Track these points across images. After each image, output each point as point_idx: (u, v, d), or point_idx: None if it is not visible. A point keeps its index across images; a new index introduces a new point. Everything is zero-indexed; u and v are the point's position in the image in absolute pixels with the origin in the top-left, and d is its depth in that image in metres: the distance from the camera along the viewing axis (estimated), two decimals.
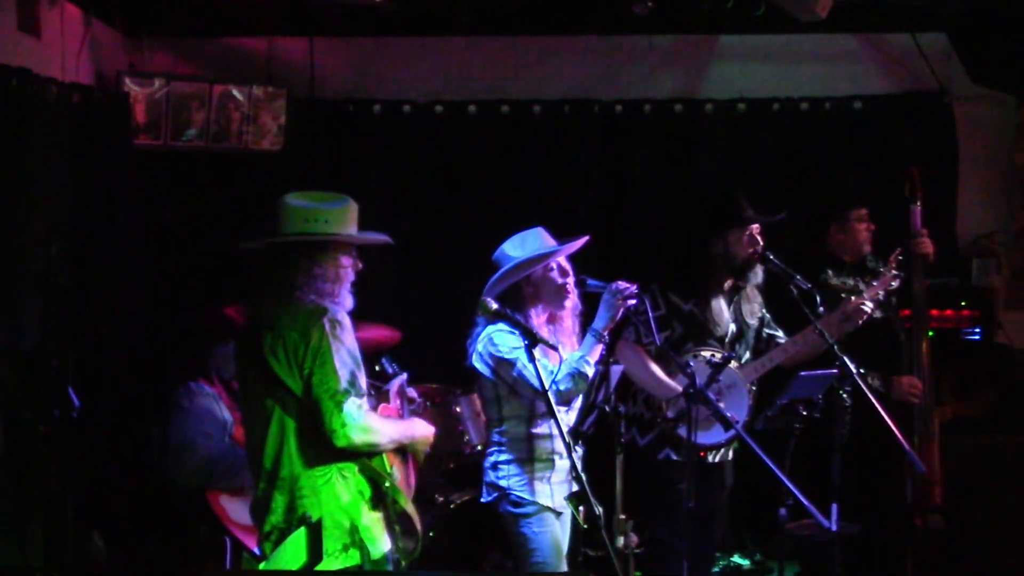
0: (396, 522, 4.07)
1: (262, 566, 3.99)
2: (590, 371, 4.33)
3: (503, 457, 4.55)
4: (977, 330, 6.21)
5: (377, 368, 5.25)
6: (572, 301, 4.59)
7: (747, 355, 5.02)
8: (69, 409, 4.62)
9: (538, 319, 4.51)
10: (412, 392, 4.73)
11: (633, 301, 4.39)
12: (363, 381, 3.96)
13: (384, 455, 4.04)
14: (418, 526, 4.11)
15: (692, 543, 4.43)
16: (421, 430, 4.25)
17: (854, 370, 4.54)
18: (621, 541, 4.01)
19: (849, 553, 4.86)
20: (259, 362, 3.89)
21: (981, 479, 5.55)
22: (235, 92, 6.08)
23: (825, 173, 6.49)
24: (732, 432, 4.42)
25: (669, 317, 4.92)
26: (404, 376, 4.55)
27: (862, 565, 5.25)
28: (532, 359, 3.98)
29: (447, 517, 5.45)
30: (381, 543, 4.01)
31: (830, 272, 5.33)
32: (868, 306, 4.94)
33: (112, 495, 5.41)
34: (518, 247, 4.54)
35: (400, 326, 5.62)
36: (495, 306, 4.14)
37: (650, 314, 4.44)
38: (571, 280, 4.56)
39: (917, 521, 5.36)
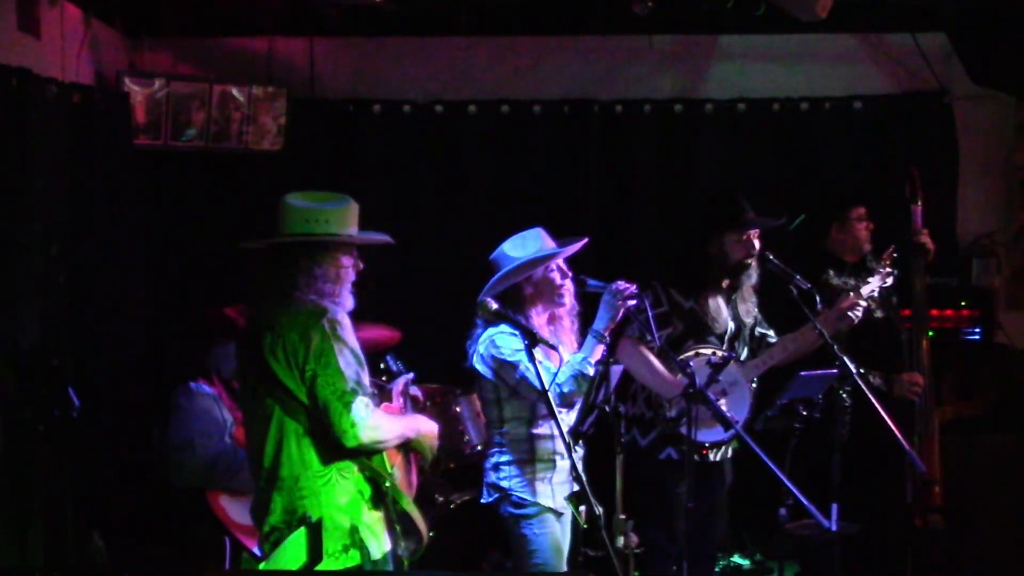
0: (397, 522, 4.06)
1: (262, 566, 3.99)
2: (592, 372, 4.33)
3: (504, 458, 4.54)
4: (977, 330, 6.21)
5: (382, 366, 5.25)
6: (570, 302, 4.59)
7: (745, 353, 5.04)
8: (69, 409, 4.62)
9: (538, 319, 4.51)
10: (416, 391, 4.72)
11: (633, 301, 4.39)
12: (367, 380, 3.96)
13: (385, 454, 4.04)
14: (421, 525, 4.09)
15: (693, 543, 4.43)
16: (426, 425, 4.25)
17: (854, 370, 4.54)
18: (621, 541, 4.00)
19: (849, 553, 4.86)
20: (259, 362, 3.89)
21: (981, 479, 5.55)
22: (235, 92, 6.07)
23: (825, 173, 6.48)
24: (733, 431, 4.43)
25: (671, 313, 4.93)
26: (410, 375, 4.54)
27: (862, 565, 5.25)
28: (532, 360, 3.98)
29: (447, 517, 5.45)
30: (382, 543, 4.01)
31: (831, 272, 5.33)
32: (863, 303, 4.95)
33: (112, 495, 5.40)
34: (518, 248, 4.53)
35: (400, 326, 5.61)
36: (495, 307, 4.14)
37: (650, 313, 4.44)
38: (569, 281, 4.56)
39: (917, 521, 5.36)
